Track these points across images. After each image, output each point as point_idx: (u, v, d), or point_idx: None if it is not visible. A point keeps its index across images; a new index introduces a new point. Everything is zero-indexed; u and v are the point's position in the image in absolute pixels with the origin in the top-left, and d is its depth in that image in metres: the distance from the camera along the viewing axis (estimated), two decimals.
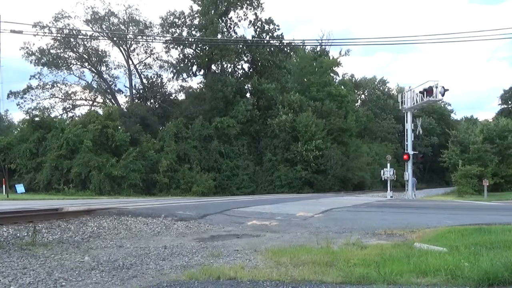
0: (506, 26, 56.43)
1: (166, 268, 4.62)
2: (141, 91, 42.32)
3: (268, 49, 41.92)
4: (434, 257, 4.46)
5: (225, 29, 41.09)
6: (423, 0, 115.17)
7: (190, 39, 39.95)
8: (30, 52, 38.13)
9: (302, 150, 37.72)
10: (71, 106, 42.31)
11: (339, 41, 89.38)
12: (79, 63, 41.03)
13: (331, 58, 54.64)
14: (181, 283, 3.83)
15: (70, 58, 40.35)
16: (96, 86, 42.43)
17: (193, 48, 41.41)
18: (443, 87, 24.40)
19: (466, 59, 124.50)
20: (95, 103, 42.83)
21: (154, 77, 42.68)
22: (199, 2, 39.92)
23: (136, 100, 41.13)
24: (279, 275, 4.02)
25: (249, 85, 41.98)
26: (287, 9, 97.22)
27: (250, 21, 41.51)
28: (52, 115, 38.46)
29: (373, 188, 47.25)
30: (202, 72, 42.22)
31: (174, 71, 41.14)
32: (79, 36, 38.89)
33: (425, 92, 24.63)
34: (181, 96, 43.12)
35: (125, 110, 38.47)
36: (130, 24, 40.88)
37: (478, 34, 42.45)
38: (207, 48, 39.32)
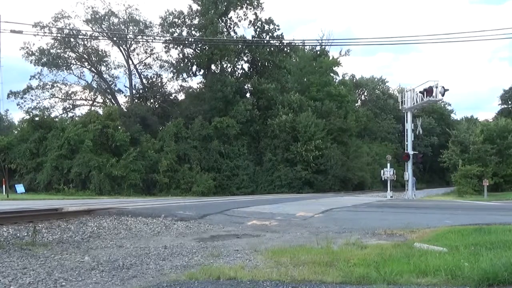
0: (507, 26, 56.38)
1: (166, 268, 4.62)
2: (141, 91, 42.34)
3: (268, 49, 41.86)
4: (434, 257, 4.47)
5: (225, 29, 41.05)
6: (424, 0, 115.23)
7: (190, 39, 39.94)
8: (30, 52, 38.12)
9: (302, 150, 37.71)
10: (71, 106, 42.33)
11: (339, 41, 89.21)
12: (79, 63, 41.04)
13: (331, 58, 54.61)
14: (181, 283, 3.83)
15: (70, 58, 40.34)
16: (96, 86, 42.44)
17: (193, 48, 41.39)
18: (443, 87, 24.43)
19: (467, 59, 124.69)
20: (95, 103, 42.88)
21: (154, 77, 42.76)
22: (199, 2, 39.90)
23: (136, 100, 41.12)
24: (279, 275, 4.02)
25: (249, 85, 41.96)
26: (288, 9, 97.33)
27: (250, 21, 41.55)
28: (52, 115, 38.52)
29: (373, 188, 47.27)
30: (202, 72, 42.25)
31: (174, 71, 41.17)
32: (79, 36, 38.88)
33: (425, 92, 24.65)
34: (181, 96, 43.23)
35: (125, 110, 38.48)
36: (130, 24, 40.87)
37: (479, 34, 42.29)
38: (207, 48, 39.29)
